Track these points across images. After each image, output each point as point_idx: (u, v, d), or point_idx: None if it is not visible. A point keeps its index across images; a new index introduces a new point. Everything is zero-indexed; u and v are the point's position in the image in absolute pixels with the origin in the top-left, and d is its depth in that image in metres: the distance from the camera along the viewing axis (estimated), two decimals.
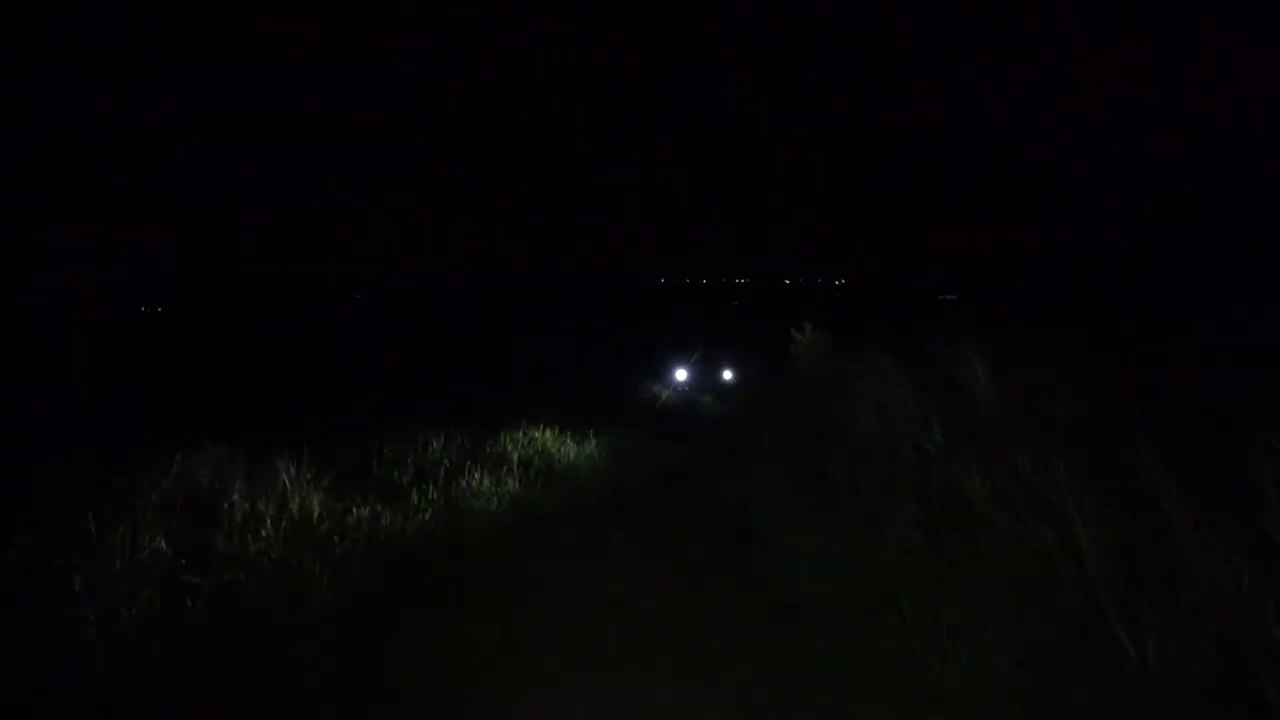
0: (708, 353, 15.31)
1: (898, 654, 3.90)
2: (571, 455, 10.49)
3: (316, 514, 6.62)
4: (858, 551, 4.86)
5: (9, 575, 4.94)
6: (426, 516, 7.18)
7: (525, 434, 10.74)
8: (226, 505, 6.43)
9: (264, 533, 6.07)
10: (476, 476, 8.42)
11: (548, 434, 10.95)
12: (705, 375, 15.10)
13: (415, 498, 7.57)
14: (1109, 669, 3.00)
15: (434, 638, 4.93)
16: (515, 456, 9.55)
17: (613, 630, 5.11)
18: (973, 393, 6.41)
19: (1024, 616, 3.45)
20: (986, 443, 5.23)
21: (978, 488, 4.43)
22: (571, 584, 5.95)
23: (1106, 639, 3.09)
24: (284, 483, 7.01)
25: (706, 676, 4.42)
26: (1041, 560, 3.67)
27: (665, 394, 14.05)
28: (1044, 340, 7.49)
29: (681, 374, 14.83)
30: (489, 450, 9.70)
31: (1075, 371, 6.07)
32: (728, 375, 15.02)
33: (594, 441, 11.31)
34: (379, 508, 7.09)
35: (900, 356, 8.16)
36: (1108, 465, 4.27)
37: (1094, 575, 3.30)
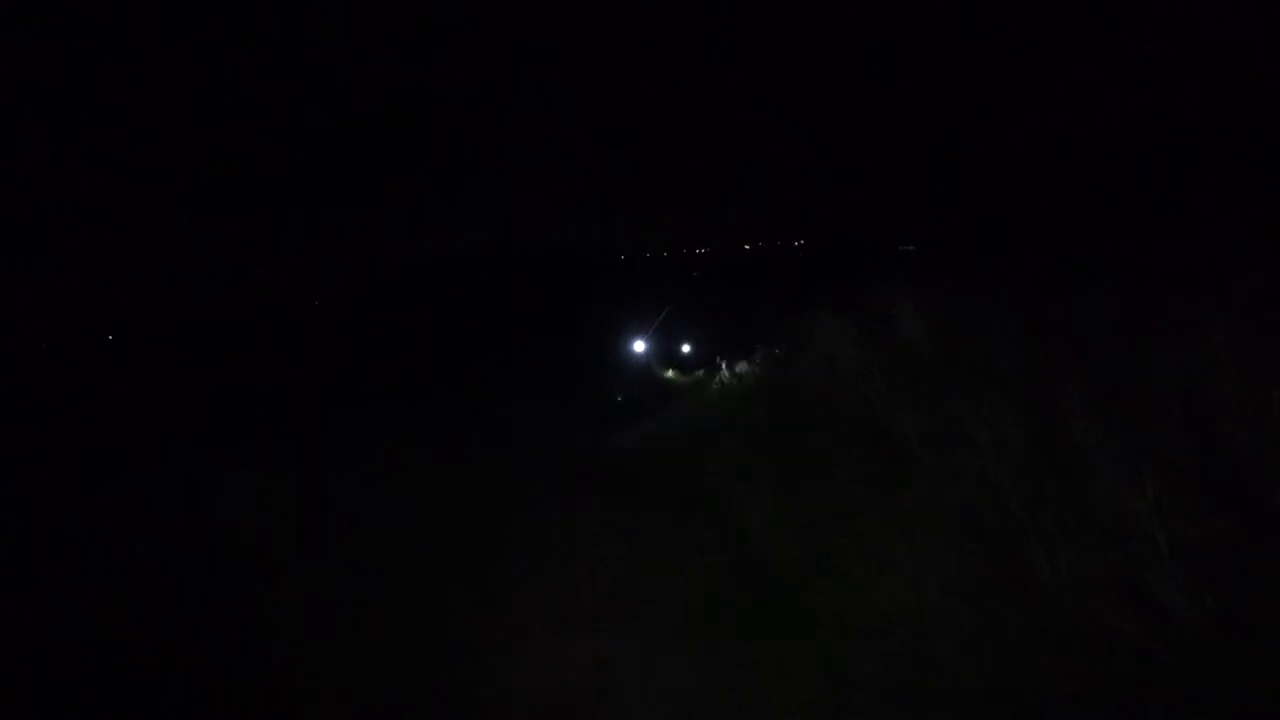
0: (669, 325, 15.32)
1: (839, 587, 4.16)
2: None
3: None
4: (804, 498, 5.11)
5: None
6: None
7: None
8: None
9: None
10: None
11: None
12: (666, 347, 15.05)
13: None
14: (1024, 584, 3.27)
15: None
16: None
17: None
18: (912, 341, 6.68)
19: (948, 545, 3.71)
20: (923, 387, 5.50)
21: (911, 430, 4.68)
22: None
23: (1023, 558, 3.36)
24: None
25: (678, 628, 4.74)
26: (965, 491, 3.93)
27: (624, 370, 14.02)
28: (986, 287, 7.77)
29: (640, 346, 14.74)
30: None
31: (1010, 313, 6.36)
32: (687, 348, 14.87)
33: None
34: None
35: (850, 312, 8.42)
36: (1030, 399, 4.54)
37: (1011, 503, 3.56)
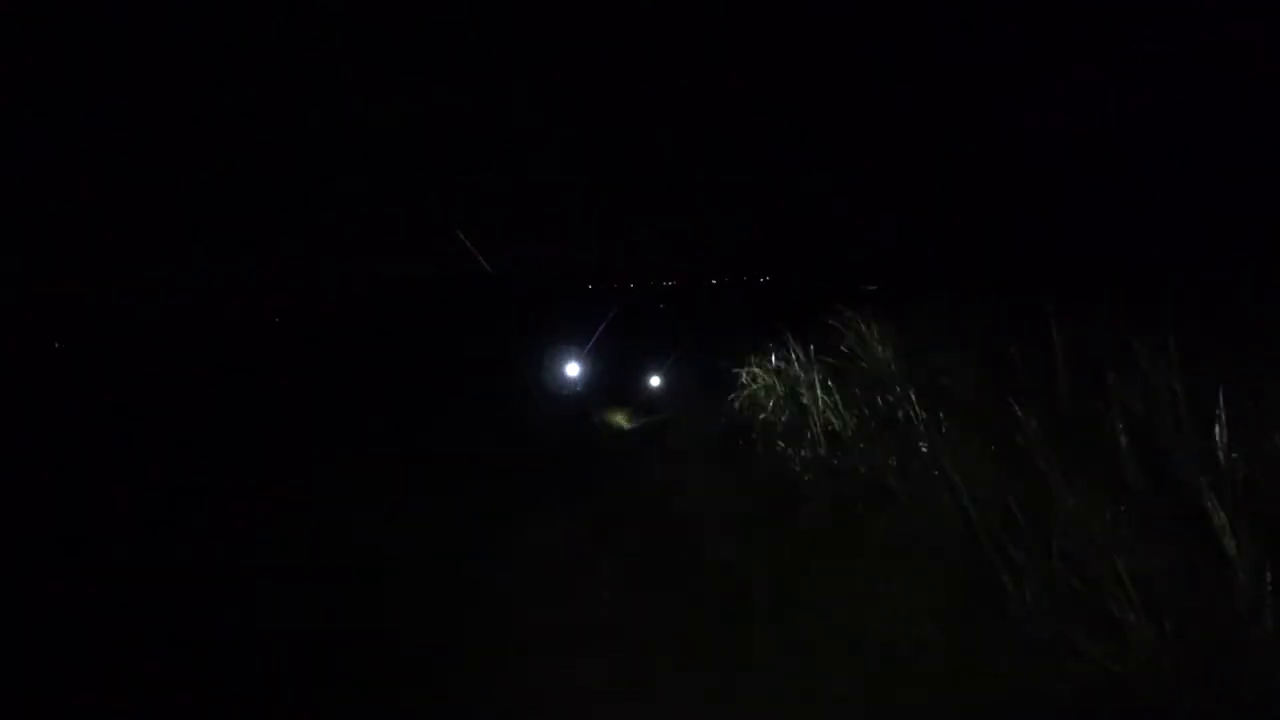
0: (630, 358, 14.66)
1: (814, 615, 4.22)
2: None
3: None
4: (774, 537, 5.18)
5: None
6: None
7: None
8: None
9: None
10: None
11: None
12: (622, 381, 13.60)
13: None
14: (994, 612, 3.38)
15: None
16: None
17: None
18: (880, 375, 6.85)
19: (920, 574, 3.81)
20: (892, 421, 5.65)
21: (881, 464, 4.80)
22: None
23: (992, 587, 3.47)
24: None
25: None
26: (935, 522, 4.05)
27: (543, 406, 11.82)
28: (954, 319, 8.04)
29: (573, 370, 12.36)
30: None
31: (975, 345, 6.58)
32: (655, 382, 13.53)
33: None
34: None
35: (818, 347, 8.61)
36: (995, 429, 4.70)
37: (978, 532, 3.68)
